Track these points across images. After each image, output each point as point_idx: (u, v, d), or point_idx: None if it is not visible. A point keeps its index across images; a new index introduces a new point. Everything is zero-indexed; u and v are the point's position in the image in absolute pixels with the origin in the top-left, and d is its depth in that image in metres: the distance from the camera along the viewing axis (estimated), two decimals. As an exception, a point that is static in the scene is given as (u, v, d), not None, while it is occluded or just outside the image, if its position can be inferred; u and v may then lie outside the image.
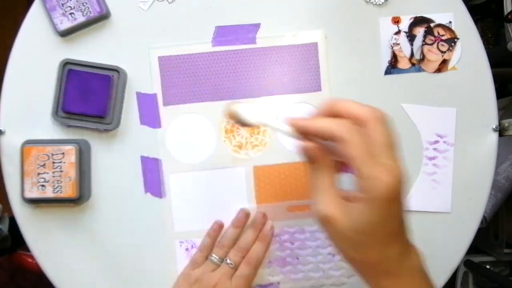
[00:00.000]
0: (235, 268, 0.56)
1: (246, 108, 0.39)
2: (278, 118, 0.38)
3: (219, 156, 0.61)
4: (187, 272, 0.57)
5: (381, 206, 0.34)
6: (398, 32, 0.62)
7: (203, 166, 0.61)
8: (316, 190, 0.38)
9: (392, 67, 0.62)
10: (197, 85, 0.61)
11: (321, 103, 0.39)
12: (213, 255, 0.57)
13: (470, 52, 0.62)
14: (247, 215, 0.60)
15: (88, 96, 0.58)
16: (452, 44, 0.62)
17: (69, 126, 0.60)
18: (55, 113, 0.59)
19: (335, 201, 0.37)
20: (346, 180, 0.41)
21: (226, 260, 0.56)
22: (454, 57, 0.62)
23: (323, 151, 0.38)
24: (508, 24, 0.95)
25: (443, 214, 0.61)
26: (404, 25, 0.62)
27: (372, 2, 0.62)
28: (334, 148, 0.37)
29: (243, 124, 0.41)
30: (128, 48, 0.61)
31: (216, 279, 0.55)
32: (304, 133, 0.38)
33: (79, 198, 0.58)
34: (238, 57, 0.61)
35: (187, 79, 0.61)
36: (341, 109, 0.37)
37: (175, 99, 0.61)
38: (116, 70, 0.59)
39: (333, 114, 0.38)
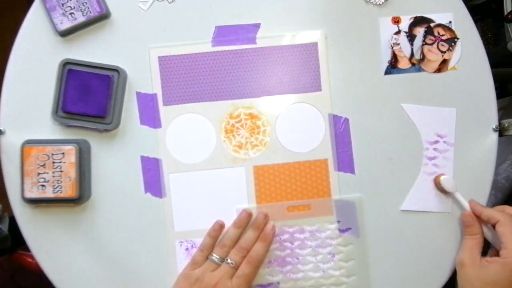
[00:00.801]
0: (236, 267, 0.56)
1: (447, 179, 0.60)
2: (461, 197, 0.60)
3: (219, 156, 0.61)
4: (188, 272, 0.57)
5: (510, 269, 0.52)
6: (398, 32, 0.62)
7: (203, 166, 0.61)
8: (463, 245, 0.58)
9: (392, 67, 0.62)
10: (197, 85, 0.61)
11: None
12: (214, 254, 0.57)
13: (470, 52, 0.62)
14: (249, 215, 0.60)
15: (88, 96, 0.58)
16: (452, 44, 0.62)
17: (69, 126, 0.60)
18: (55, 113, 0.59)
19: (473, 256, 0.56)
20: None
21: (226, 260, 0.56)
22: (454, 57, 0.62)
23: (476, 221, 0.58)
24: (508, 24, 0.95)
25: (443, 214, 0.61)
26: (404, 25, 0.62)
27: (372, 2, 0.62)
28: (488, 234, 0.57)
29: (442, 190, 0.61)
30: (128, 48, 0.61)
31: (217, 278, 0.55)
32: (474, 211, 0.58)
33: (79, 198, 0.58)
34: (238, 57, 0.61)
35: (187, 79, 0.61)
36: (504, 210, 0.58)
37: (175, 99, 0.61)
38: (116, 70, 0.59)
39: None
